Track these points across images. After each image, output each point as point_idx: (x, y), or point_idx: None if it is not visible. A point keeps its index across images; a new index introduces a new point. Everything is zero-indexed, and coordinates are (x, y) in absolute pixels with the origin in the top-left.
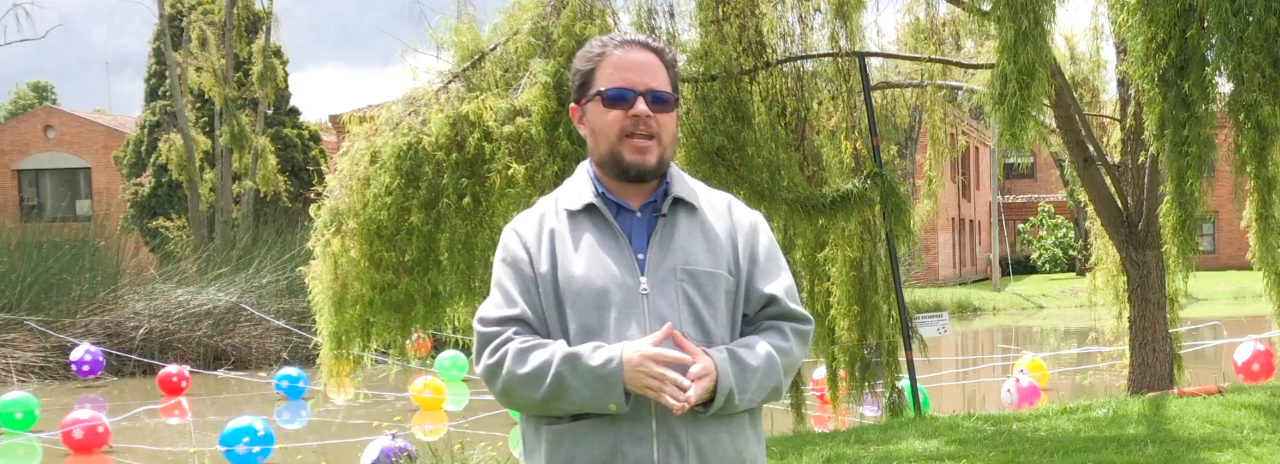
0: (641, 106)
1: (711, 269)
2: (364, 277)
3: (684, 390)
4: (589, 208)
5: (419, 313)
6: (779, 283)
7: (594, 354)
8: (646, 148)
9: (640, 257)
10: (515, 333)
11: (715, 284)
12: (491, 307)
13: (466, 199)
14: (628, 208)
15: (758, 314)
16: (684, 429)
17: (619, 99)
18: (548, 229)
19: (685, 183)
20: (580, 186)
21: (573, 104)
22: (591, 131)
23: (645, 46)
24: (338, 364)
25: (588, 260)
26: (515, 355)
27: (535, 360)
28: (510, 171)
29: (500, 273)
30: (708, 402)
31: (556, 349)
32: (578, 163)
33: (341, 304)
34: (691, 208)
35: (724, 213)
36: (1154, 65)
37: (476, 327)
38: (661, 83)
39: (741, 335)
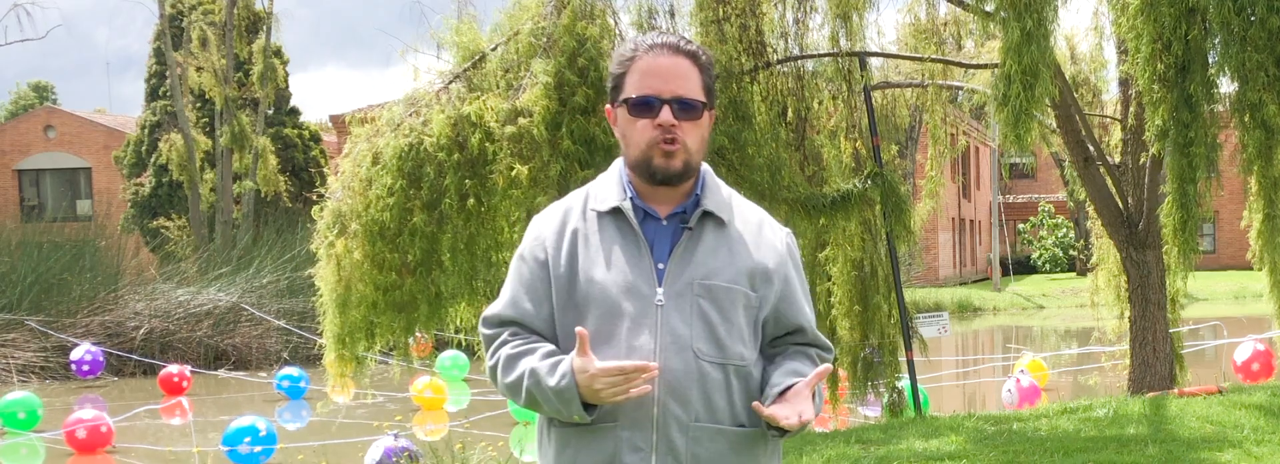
0: (666, 116)
1: (730, 284)
2: (367, 278)
3: (643, 371)
4: (616, 211)
5: (423, 314)
6: (807, 313)
7: (551, 373)
8: (672, 153)
9: (660, 266)
10: (511, 334)
11: (733, 299)
12: (496, 306)
13: (471, 200)
14: (654, 215)
15: (782, 338)
16: (683, 442)
17: (644, 107)
18: (571, 229)
19: (718, 194)
20: (611, 188)
21: (608, 106)
22: (622, 136)
23: (676, 49)
24: (342, 365)
25: (607, 266)
26: (505, 362)
27: (516, 371)
28: (513, 172)
29: (512, 268)
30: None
31: (530, 363)
32: (578, 162)
33: (346, 305)
34: (720, 222)
35: (755, 229)
36: (1159, 65)
37: (481, 328)
38: (691, 88)
39: (764, 355)
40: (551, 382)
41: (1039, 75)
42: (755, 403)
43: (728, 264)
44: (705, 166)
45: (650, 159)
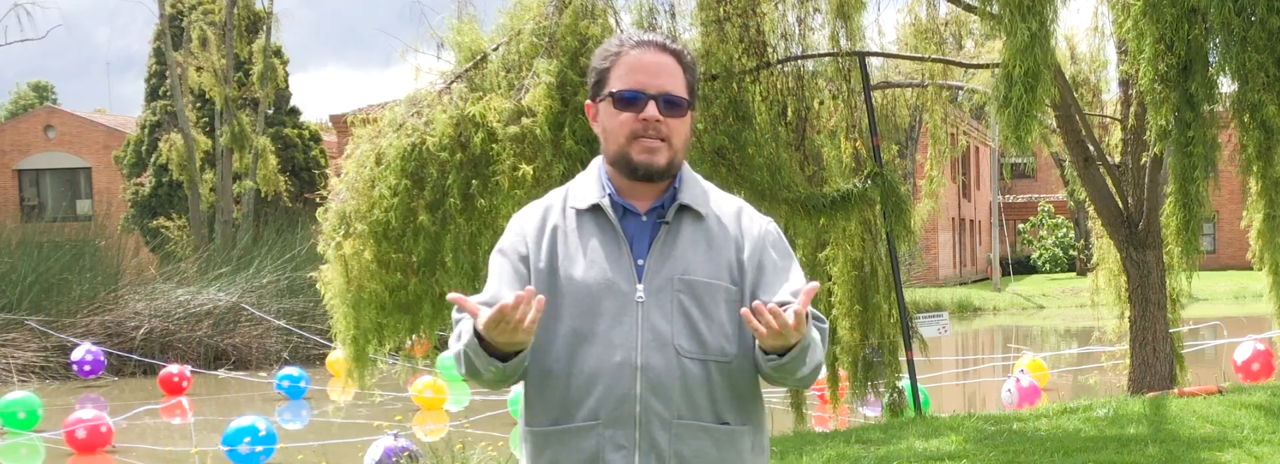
0: (651, 110)
1: (710, 280)
2: (376, 278)
3: (521, 302)
4: (595, 209)
5: (427, 314)
6: (785, 289)
7: (468, 328)
8: (656, 149)
9: (640, 263)
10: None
11: (713, 295)
12: (474, 297)
13: (480, 200)
14: (634, 211)
15: None
16: (666, 440)
17: (630, 101)
18: (551, 226)
19: (695, 188)
20: (590, 185)
21: (588, 101)
22: (603, 131)
23: (663, 48)
24: (358, 366)
25: (587, 263)
26: (455, 337)
27: (461, 340)
28: (519, 173)
29: (493, 263)
30: (783, 352)
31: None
32: (581, 162)
33: (358, 306)
34: (697, 215)
35: (732, 219)
36: (1163, 66)
37: (453, 313)
38: (676, 85)
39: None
40: (468, 333)
41: (1040, 77)
42: (743, 310)
43: (707, 259)
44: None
45: (629, 153)
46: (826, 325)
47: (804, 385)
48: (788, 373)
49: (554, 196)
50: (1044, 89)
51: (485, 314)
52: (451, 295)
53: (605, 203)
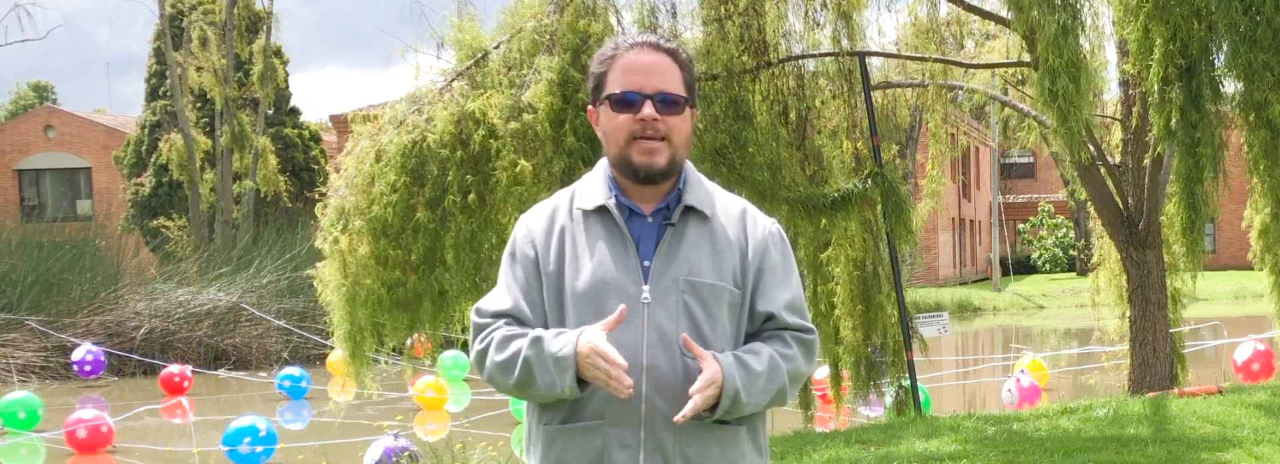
0: (648, 110)
1: (715, 281)
2: (374, 275)
3: (627, 385)
4: (602, 210)
5: (427, 312)
6: (780, 298)
7: (555, 339)
8: (655, 149)
9: (646, 264)
10: (506, 324)
11: (717, 296)
12: (489, 299)
13: (471, 196)
14: (640, 213)
15: (759, 329)
16: (671, 439)
17: (626, 103)
18: (559, 226)
19: (700, 189)
20: (597, 186)
21: (589, 106)
22: (604, 134)
23: (657, 47)
24: (355, 364)
25: (594, 265)
26: (498, 343)
27: (511, 347)
28: (517, 168)
29: (504, 266)
30: (714, 406)
31: (529, 337)
32: (582, 159)
33: (354, 303)
34: (703, 216)
35: (737, 221)
36: (1171, 67)
37: (473, 316)
38: (672, 84)
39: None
40: (554, 347)
41: (1082, 67)
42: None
43: (712, 261)
44: (686, 163)
45: (629, 155)
46: (815, 336)
47: (779, 404)
48: (735, 415)
49: (561, 197)
50: (1087, 80)
51: (605, 354)
52: (597, 348)
53: (612, 204)
